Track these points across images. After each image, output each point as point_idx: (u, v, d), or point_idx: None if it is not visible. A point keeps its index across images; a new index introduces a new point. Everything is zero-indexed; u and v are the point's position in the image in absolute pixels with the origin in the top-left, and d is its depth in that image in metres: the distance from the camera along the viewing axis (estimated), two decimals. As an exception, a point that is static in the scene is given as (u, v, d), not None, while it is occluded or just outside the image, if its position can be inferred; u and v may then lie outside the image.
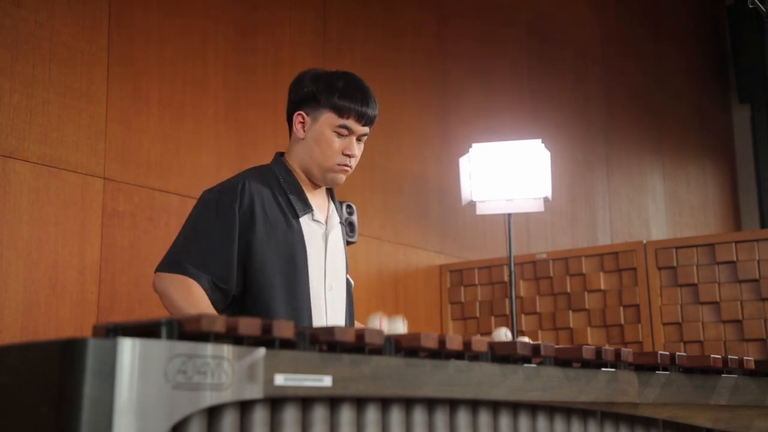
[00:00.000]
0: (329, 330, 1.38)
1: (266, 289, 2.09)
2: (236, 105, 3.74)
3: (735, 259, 3.93)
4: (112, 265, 3.16)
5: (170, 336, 1.21)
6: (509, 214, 4.08)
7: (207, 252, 2.07)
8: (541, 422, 1.71)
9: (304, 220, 2.18)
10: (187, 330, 1.22)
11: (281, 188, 2.19)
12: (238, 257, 2.10)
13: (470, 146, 4.08)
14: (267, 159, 3.83)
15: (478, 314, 4.56)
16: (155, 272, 2.11)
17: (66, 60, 3.12)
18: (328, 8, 4.31)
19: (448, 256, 4.82)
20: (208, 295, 2.05)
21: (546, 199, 4.01)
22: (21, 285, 2.88)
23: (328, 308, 2.17)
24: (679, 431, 2.00)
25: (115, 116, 3.26)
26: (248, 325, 1.28)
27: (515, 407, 1.66)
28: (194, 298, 2.01)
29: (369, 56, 4.52)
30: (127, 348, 1.13)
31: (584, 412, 1.80)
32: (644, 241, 4.23)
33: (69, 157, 3.09)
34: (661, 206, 7.11)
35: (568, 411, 1.77)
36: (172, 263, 2.08)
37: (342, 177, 2.22)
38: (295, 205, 2.17)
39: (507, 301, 4.44)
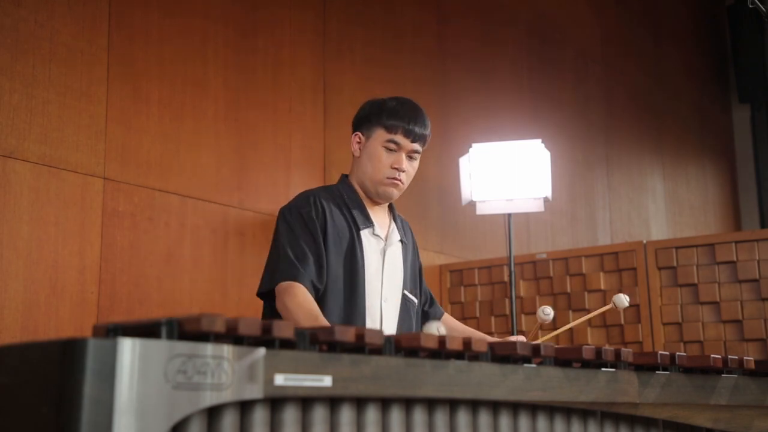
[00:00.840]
0: (329, 330, 1.38)
1: (328, 292, 2.24)
2: (236, 105, 3.74)
3: (735, 259, 3.93)
4: (112, 265, 3.16)
5: (170, 336, 1.21)
6: (509, 214, 4.08)
7: (303, 256, 2.21)
8: (541, 422, 1.71)
9: (365, 234, 2.34)
10: (187, 330, 1.22)
11: (345, 203, 2.35)
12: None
13: (470, 146, 4.08)
14: (267, 159, 3.85)
15: (478, 314, 4.56)
16: (274, 289, 2.20)
17: (66, 60, 3.12)
18: (328, 8, 4.31)
19: (448, 256, 4.82)
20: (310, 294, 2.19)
21: (546, 199, 4.01)
22: (21, 285, 2.88)
23: (383, 318, 2.31)
24: (679, 431, 2.00)
25: (115, 116, 3.26)
26: (248, 325, 1.28)
27: (515, 407, 1.66)
28: (302, 301, 2.14)
29: (369, 56, 4.52)
30: (127, 348, 1.13)
31: (584, 412, 1.80)
32: (644, 241, 4.23)
33: (69, 157, 3.09)
34: (661, 206, 7.11)
35: (568, 411, 1.77)
36: (279, 275, 2.20)
37: (393, 191, 2.38)
38: (357, 218, 2.33)
39: (507, 301, 4.44)
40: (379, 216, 2.43)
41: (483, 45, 5.40)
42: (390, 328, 2.34)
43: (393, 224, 2.46)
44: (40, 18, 3.06)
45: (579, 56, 6.39)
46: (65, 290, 3.00)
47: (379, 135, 2.34)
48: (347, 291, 2.26)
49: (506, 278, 4.46)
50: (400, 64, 4.72)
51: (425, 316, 2.56)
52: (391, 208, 2.50)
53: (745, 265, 3.91)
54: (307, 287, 2.18)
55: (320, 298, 2.23)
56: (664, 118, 7.43)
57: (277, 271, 2.22)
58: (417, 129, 2.35)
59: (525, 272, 4.50)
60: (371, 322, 2.28)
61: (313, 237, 2.24)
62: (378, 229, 2.38)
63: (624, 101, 6.86)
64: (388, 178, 2.35)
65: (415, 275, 2.50)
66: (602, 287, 4.27)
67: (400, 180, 2.36)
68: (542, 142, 4.02)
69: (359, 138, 2.40)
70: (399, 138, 2.33)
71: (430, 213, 4.78)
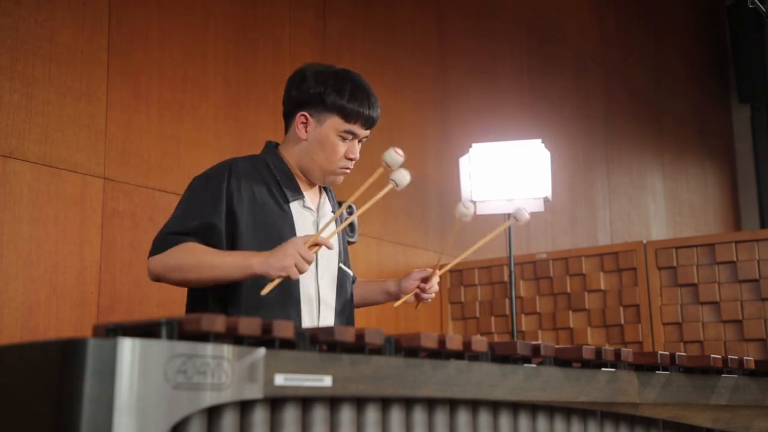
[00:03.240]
0: (329, 330, 1.38)
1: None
2: (236, 105, 3.74)
3: (735, 259, 3.93)
4: (112, 265, 3.16)
5: (170, 336, 1.21)
6: (509, 214, 4.08)
7: (192, 221, 2.04)
8: (541, 422, 1.71)
9: (294, 206, 2.15)
10: (187, 330, 1.23)
11: (271, 174, 2.16)
12: (226, 232, 2.06)
13: (470, 146, 4.08)
14: (267, 159, 3.85)
15: (478, 314, 4.56)
16: (148, 259, 2.05)
17: (66, 60, 3.12)
18: (328, 8, 4.31)
19: (448, 256, 4.81)
20: None
21: (546, 199, 4.01)
22: (21, 285, 2.88)
23: (321, 297, 2.16)
24: (679, 431, 2.00)
25: (115, 116, 3.26)
26: (248, 325, 1.28)
27: (515, 407, 1.66)
28: (199, 250, 1.99)
29: (369, 56, 4.52)
30: (127, 348, 1.13)
31: (584, 412, 1.80)
32: (644, 241, 4.23)
33: (69, 157, 3.09)
34: (661, 206, 7.11)
35: (568, 411, 1.77)
36: (162, 244, 2.03)
37: (341, 179, 2.22)
38: (285, 190, 2.14)
39: (507, 301, 4.44)
40: (309, 188, 2.23)
41: (483, 45, 5.40)
42: (328, 307, 2.17)
43: (324, 195, 2.27)
44: (40, 18, 3.06)
45: (579, 56, 6.39)
46: (65, 290, 3.00)
47: (334, 122, 2.13)
48: None
49: (506, 278, 4.46)
50: (399, 64, 4.72)
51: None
52: None
53: (745, 265, 3.91)
54: (195, 242, 2.00)
55: (249, 281, 2.00)
56: (664, 118, 7.43)
57: (164, 239, 2.02)
58: (374, 115, 2.17)
59: (525, 272, 4.50)
60: (307, 303, 2.10)
61: (213, 204, 2.05)
62: (308, 201, 2.19)
63: (624, 101, 6.86)
64: (341, 168, 2.17)
65: (346, 247, 2.35)
66: (602, 287, 4.27)
67: (351, 169, 2.19)
68: (542, 142, 4.02)
69: (305, 119, 2.15)
70: (356, 128, 2.14)
71: (430, 213, 4.78)
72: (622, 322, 4.19)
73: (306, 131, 2.16)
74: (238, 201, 2.08)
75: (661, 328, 4.07)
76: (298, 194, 2.17)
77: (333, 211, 2.28)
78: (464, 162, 4.12)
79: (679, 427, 2.00)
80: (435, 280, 2.38)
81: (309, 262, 1.90)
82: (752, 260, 3.90)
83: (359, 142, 2.20)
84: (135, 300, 3.21)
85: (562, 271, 4.38)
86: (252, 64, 3.84)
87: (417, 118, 4.77)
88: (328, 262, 2.20)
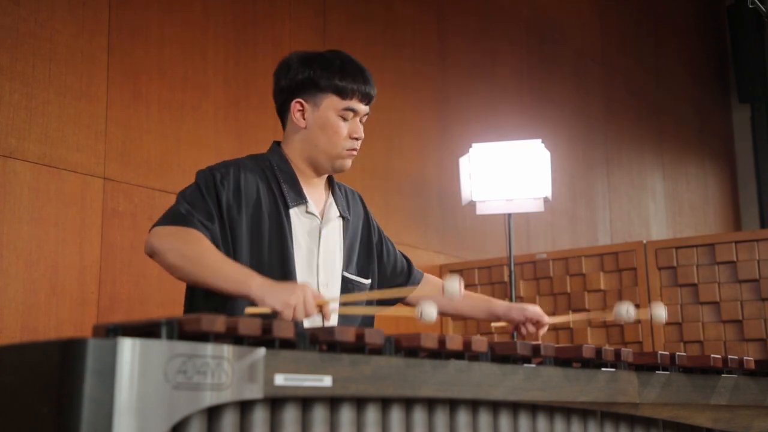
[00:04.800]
0: (329, 330, 1.39)
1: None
2: (236, 105, 3.74)
3: (735, 259, 3.93)
4: (112, 265, 3.16)
5: (170, 336, 1.21)
6: (509, 214, 4.08)
7: (193, 210, 1.99)
8: (541, 422, 1.71)
9: (295, 212, 2.06)
10: (187, 330, 1.23)
11: (275, 177, 2.08)
12: (221, 232, 1.99)
13: (470, 146, 4.08)
14: (267, 159, 3.85)
15: (478, 314, 4.56)
16: (152, 228, 1.97)
17: (66, 60, 3.12)
18: (328, 7, 4.31)
19: (448, 256, 4.82)
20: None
21: (546, 199, 4.01)
22: (21, 285, 2.88)
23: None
24: (679, 431, 2.00)
25: (115, 116, 3.26)
26: (248, 325, 1.28)
27: (515, 407, 1.66)
28: (206, 244, 1.90)
29: (369, 56, 4.51)
30: (127, 348, 1.13)
31: (584, 412, 1.80)
32: (644, 241, 4.23)
33: (69, 157, 3.09)
34: (661, 206, 7.11)
35: (568, 411, 1.76)
36: (174, 217, 1.96)
37: (350, 162, 2.11)
38: (287, 195, 2.06)
39: (507, 301, 4.44)
40: (315, 191, 2.13)
41: (483, 44, 5.40)
42: (333, 315, 2.06)
43: (331, 199, 2.16)
44: (40, 18, 3.06)
45: (579, 56, 6.39)
46: (65, 290, 3.00)
47: (331, 102, 2.05)
48: (271, 276, 1.89)
49: (506, 278, 4.46)
50: (399, 63, 4.72)
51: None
52: (330, 180, 2.19)
53: (745, 265, 3.90)
54: (206, 236, 1.90)
55: None
56: (664, 118, 7.43)
57: (170, 216, 1.96)
58: (371, 90, 2.08)
59: (525, 272, 4.50)
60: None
61: (212, 200, 1.99)
62: (312, 206, 2.08)
63: (624, 101, 6.86)
64: (347, 150, 2.07)
65: (368, 252, 2.22)
66: (602, 287, 4.27)
67: (357, 149, 2.09)
68: (542, 142, 4.02)
69: (301, 106, 2.07)
70: (355, 104, 2.05)
71: (430, 213, 4.78)
72: (622, 322, 4.18)
73: (304, 118, 2.08)
74: (237, 203, 2.01)
75: (661, 328, 4.07)
76: (301, 198, 2.08)
77: (341, 216, 2.16)
78: (464, 162, 4.12)
79: (679, 427, 2.00)
80: (543, 331, 2.34)
81: (308, 315, 1.78)
82: (752, 260, 3.90)
83: (360, 120, 2.12)
84: (135, 300, 3.21)
85: (562, 271, 4.38)
86: (252, 62, 3.85)
87: (417, 118, 4.77)
88: (332, 269, 2.10)
